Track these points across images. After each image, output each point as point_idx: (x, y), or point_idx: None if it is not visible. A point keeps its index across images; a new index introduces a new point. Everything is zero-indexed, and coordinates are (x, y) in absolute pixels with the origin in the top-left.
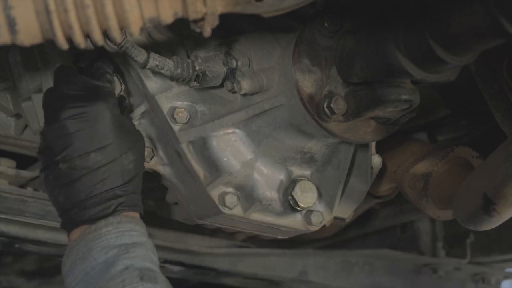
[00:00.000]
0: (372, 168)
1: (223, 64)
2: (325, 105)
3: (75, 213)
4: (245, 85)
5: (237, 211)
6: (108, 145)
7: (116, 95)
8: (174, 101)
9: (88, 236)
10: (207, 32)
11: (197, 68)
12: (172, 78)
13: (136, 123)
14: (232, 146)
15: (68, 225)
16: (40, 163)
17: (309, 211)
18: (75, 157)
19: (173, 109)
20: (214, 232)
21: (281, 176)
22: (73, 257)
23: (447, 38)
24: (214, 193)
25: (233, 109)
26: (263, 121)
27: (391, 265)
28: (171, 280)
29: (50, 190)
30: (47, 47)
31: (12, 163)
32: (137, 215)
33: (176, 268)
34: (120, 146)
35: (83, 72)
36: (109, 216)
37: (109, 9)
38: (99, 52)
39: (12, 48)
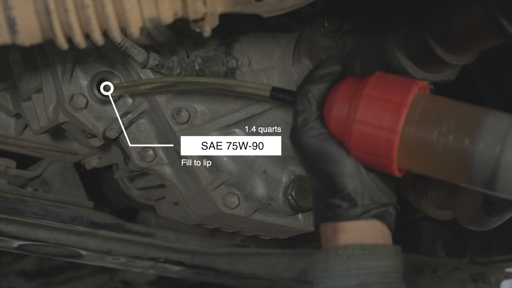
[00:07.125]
0: None
1: (223, 64)
2: None
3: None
4: None
5: (237, 211)
6: None
7: None
8: (174, 101)
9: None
10: (207, 32)
11: (197, 68)
12: None
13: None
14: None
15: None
16: None
17: (309, 211)
18: None
19: (173, 109)
20: (214, 232)
21: (281, 176)
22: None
23: (447, 38)
24: (214, 193)
25: (233, 109)
26: (263, 121)
27: None
28: (171, 280)
29: None
30: (47, 47)
31: (12, 163)
32: None
33: (176, 268)
34: None
35: None
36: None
37: (109, 9)
38: None
39: (12, 48)
